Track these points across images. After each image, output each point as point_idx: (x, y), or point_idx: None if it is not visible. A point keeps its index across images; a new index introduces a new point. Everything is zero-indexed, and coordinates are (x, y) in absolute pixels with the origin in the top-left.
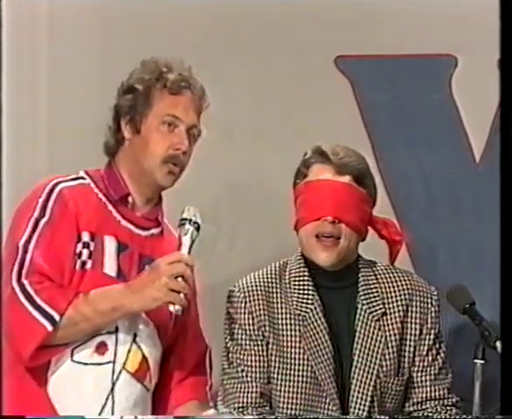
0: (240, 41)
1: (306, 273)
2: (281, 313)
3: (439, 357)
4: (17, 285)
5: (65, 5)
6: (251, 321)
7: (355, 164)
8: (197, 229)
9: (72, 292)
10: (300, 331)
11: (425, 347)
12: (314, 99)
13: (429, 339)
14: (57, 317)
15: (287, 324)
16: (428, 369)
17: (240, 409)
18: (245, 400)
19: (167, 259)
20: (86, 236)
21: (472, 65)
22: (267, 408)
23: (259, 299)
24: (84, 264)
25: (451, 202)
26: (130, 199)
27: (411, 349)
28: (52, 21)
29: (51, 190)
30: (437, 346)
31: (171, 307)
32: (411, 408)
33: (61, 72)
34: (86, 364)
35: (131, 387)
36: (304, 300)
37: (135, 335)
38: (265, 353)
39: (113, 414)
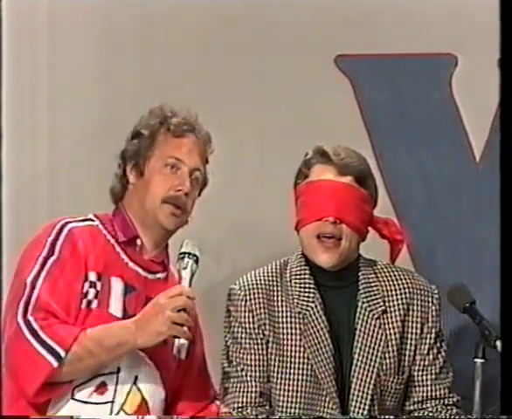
0: (240, 41)
1: (306, 272)
2: (282, 312)
3: (439, 356)
4: (22, 321)
5: (65, 5)
6: (251, 320)
7: (356, 165)
8: (196, 261)
9: (77, 329)
10: (300, 329)
11: (426, 346)
12: (314, 99)
13: (430, 338)
14: (62, 353)
15: (287, 322)
16: (429, 368)
17: (240, 409)
18: (244, 399)
19: (168, 293)
20: (93, 276)
21: (472, 64)
22: (267, 407)
23: (259, 298)
24: (90, 303)
25: (451, 202)
26: (138, 242)
27: (412, 348)
28: (52, 21)
29: (61, 230)
30: (438, 345)
31: (176, 341)
32: (412, 408)
33: (61, 72)
34: (85, 403)
35: None
36: (305, 299)
37: (136, 377)
38: (264, 352)
39: None
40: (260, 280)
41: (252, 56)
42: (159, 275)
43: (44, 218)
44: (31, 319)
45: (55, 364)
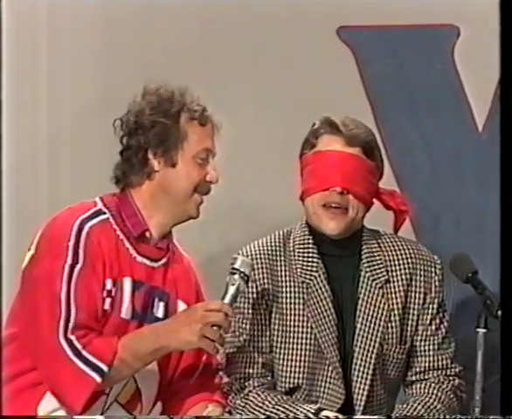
0: (241, 13)
1: (310, 241)
2: (285, 281)
3: (442, 326)
4: (64, 340)
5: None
6: (254, 290)
7: (364, 136)
8: (246, 281)
9: (115, 341)
10: (303, 298)
11: (429, 316)
12: (317, 70)
13: (432, 308)
14: (105, 368)
15: (290, 292)
16: (431, 338)
17: (242, 379)
18: (247, 370)
19: (207, 305)
20: (109, 284)
21: (474, 35)
22: (269, 378)
23: (262, 268)
24: (105, 311)
25: (453, 172)
26: (147, 234)
27: (415, 318)
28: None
29: (79, 231)
30: (440, 315)
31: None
32: (414, 378)
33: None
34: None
35: (118, 414)
36: (308, 268)
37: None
38: (267, 323)
39: None
40: (263, 250)
41: (253, 28)
42: (163, 260)
43: (45, 196)
44: (72, 338)
45: (99, 380)
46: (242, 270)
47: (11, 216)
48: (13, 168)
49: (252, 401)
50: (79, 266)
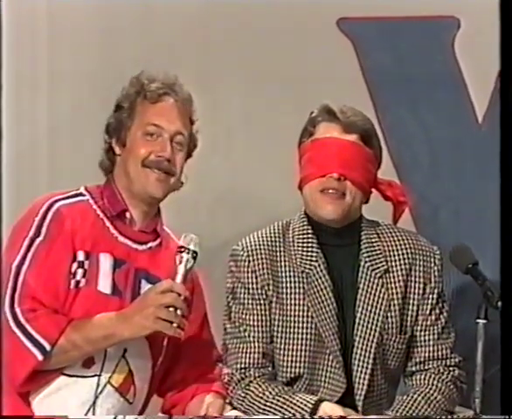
0: (242, 4)
1: (309, 231)
2: (285, 271)
3: (441, 316)
4: (9, 311)
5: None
6: (254, 280)
7: (361, 123)
8: (194, 258)
9: (64, 321)
10: (303, 288)
11: (428, 307)
12: (317, 61)
13: (432, 298)
14: (48, 347)
15: (290, 281)
16: (431, 329)
17: (242, 370)
18: (247, 360)
19: (158, 288)
20: (81, 256)
21: (474, 26)
22: (270, 368)
23: (262, 258)
24: (78, 283)
25: (453, 163)
26: (128, 215)
27: (414, 308)
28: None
29: (48, 209)
30: (440, 305)
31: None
32: (414, 368)
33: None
34: (71, 376)
35: (113, 400)
36: (308, 258)
37: (125, 350)
38: (267, 313)
39: None
40: (263, 241)
41: (253, 20)
42: (150, 244)
43: (45, 183)
44: (17, 311)
45: (40, 357)
46: (187, 246)
47: (11, 209)
48: (13, 162)
49: (252, 391)
50: (39, 239)
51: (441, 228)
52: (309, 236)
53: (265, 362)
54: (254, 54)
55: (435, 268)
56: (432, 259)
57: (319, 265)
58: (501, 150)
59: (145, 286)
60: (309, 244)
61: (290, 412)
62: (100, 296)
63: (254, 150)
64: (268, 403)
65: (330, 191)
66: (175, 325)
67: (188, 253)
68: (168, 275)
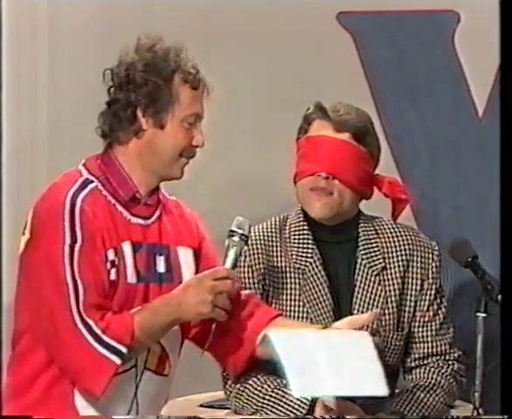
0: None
1: (305, 227)
2: (281, 267)
3: (440, 312)
4: (82, 325)
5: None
6: (250, 275)
7: (354, 122)
8: (246, 241)
9: (128, 318)
10: (299, 284)
11: (426, 303)
12: (317, 55)
13: (430, 294)
14: (125, 350)
15: (286, 277)
16: (429, 324)
17: None
18: None
19: (214, 274)
20: (111, 255)
21: (474, 20)
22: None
23: (258, 253)
24: (112, 282)
25: (453, 157)
26: (138, 195)
27: (412, 304)
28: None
29: (72, 207)
30: (438, 301)
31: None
32: (413, 364)
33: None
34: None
35: (152, 382)
36: (304, 254)
37: None
38: None
39: (137, 414)
40: (260, 236)
41: (253, 13)
42: (155, 215)
43: (44, 176)
44: (90, 322)
45: (119, 362)
46: (240, 231)
47: (11, 204)
48: (13, 158)
49: (250, 385)
50: (78, 245)
51: (441, 222)
52: (305, 232)
53: None
54: (254, 52)
55: (433, 264)
56: (431, 255)
57: (314, 262)
58: (502, 144)
59: (159, 259)
60: (305, 241)
61: (288, 406)
62: (130, 288)
63: (257, 145)
64: (267, 397)
65: (318, 190)
66: (224, 312)
67: (238, 237)
68: (175, 238)
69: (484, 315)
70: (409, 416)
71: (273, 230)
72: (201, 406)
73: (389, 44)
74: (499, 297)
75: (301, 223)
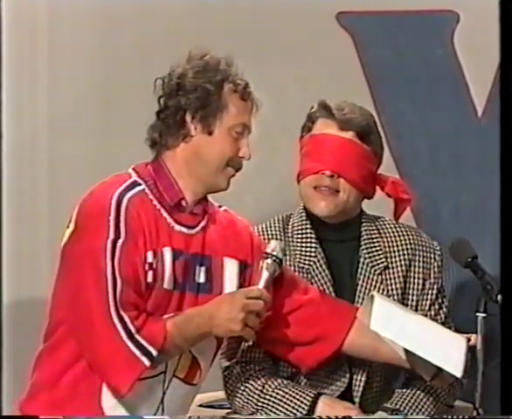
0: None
1: (308, 226)
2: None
3: (441, 312)
4: (117, 319)
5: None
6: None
7: (358, 120)
8: (279, 264)
9: (163, 324)
10: None
11: (428, 302)
12: (316, 55)
13: (431, 293)
14: (155, 353)
15: None
16: None
17: (243, 364)
18: (248, 355)
19: (247, 293)
20: (150, 257)
21: (474, 20)
22: (270, 362)
23: None
24: (148, 284)
25: (453, 157)
26: (183, 203)
27: (414, 303)
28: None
29: (119, 205)
30: (439, 300)
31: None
32: None
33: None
34: (140, 379)
35: (179, 390)
36: (307, 253)
37: None
38: None
39: None
40: (263, 235)
41: (253, 15)
42: (201, 225)
43: (44, 177)
44: (125, 318)
45: (148, 364)
46: (275, 254)
47: (11, 203)
48: (13, 158)
49: (252, 384)
50: (121, 241)
51: (441, 222)
52: (308, 231)
53: (265, 357)
54: (253, 50)
55: (435, 264)
56: (432, 255)
57: (318, 260)
58: (501, 144)
59: (199, 270)
60: (308, 239)
61: (289, 406)
62: (166, 293)
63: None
64: (268, 396)
65: (323, 188)
66: (253, 332)
67: (272, 260)
68: (222, 249)
69: (484, 315)
70: (409, 416)
71: (276, 229)
72: (201, 406)
73: (388, 44)
74: (499, 297)
75: (304, 222)
